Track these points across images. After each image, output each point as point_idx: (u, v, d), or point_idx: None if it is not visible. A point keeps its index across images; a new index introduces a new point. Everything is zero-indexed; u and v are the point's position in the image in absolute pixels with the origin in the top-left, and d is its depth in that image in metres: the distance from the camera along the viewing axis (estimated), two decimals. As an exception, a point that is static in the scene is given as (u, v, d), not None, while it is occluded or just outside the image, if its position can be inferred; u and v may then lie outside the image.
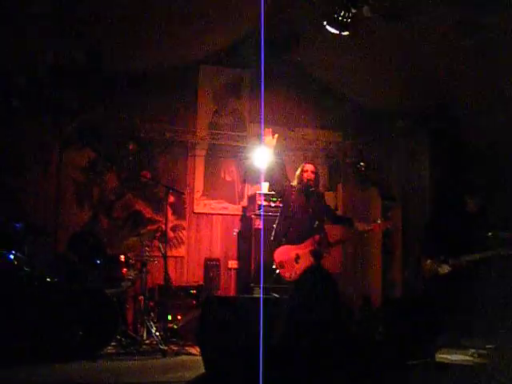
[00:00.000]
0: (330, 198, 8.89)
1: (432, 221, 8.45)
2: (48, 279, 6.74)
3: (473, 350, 6.79)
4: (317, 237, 7.17)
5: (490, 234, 7.92)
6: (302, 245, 7.14)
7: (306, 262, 7.03)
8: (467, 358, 6.57)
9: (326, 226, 7.53)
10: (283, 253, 7.12)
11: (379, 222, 7.72)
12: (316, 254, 7.07)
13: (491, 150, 9.26)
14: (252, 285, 8.47)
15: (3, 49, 7.48)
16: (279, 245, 7.16)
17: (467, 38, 7.69)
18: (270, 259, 7.21)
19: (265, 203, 9.04)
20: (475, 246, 7.61)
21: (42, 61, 7.89)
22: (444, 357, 6.52)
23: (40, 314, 6.32)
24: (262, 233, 8.34)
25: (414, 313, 6.46)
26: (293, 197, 7.39)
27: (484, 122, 9.16)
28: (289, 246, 7.15)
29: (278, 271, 7.07)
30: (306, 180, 7.41)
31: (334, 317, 3.30)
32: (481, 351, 6.71)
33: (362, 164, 8.56)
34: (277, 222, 7.36)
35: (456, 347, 7.08)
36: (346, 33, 7.37)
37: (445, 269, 7.63)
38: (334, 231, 7.87)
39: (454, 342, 7.17)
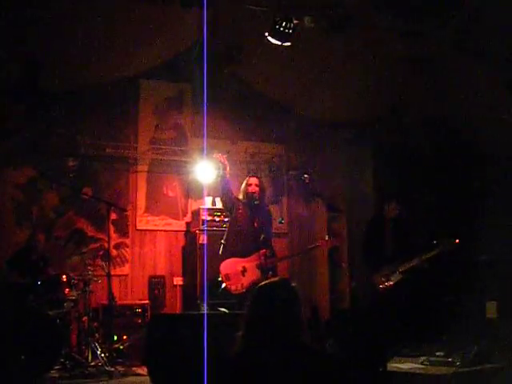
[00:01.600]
0: (274, 211, 8.82)
1: (366, 232, 8.49)
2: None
3: (423, 358, 6.80)
4: (263, 251, 7.09)
5: (434, 242, 8.00)
6: (249, 258, 7.07)
7: (252, 275, 6.96)
8: (418, 365, 6.56)
9: (273, 240, 7.49)
10: (229, 266, 7.04)
11: (327, 238, 7.73)
12: (263, 268, 7.00)
13: (437, 156, 9.40)
14: (198, 301, 8.34)
15: None
16: (226, 258, 7.08)
17: (412, 48, 7.79)
18: (216, 275, 7.12)
19: (209, 218, 8.95)
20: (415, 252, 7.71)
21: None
22: (395, 366, 6.50)
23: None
24: (205, 248, 8.27)
25: (365, 324, 6.44)
26: (239, 211, 7.32)
27: (430, 129, 9.30)
28: (235, 259, 7.07)
29: (223, 284, 6.98)
30: (250, 193, 7.35)
31: (296, 331, 3.21)
32: (432, 358, 6.71)
33: (305, 176, 8.52)
34: (225, 237, 7.26)
35: (406, 356, 7.09)
36: (287, 44, 7.39)
37: (397, 277, 7.68)
38: (281, 245, 7.84)
39: (404, 351, 7.18)
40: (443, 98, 8.72)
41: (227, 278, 6.97)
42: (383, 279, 7.78)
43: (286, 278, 3.73)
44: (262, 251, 7.06)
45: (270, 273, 6.97)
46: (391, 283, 7.68)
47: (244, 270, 7.00)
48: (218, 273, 7.05)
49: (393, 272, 7.73)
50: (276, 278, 3.67)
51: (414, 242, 7.95)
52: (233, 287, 6.92)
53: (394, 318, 7.43)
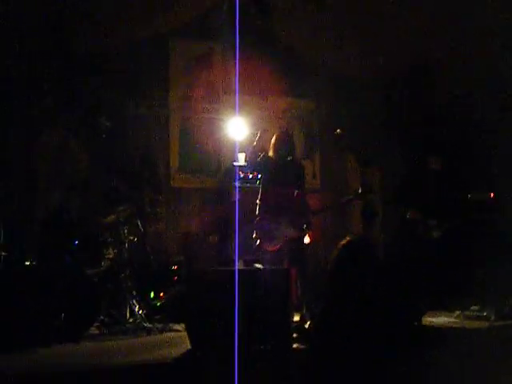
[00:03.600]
0: (307, 167, 8.80)
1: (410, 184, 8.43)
2: (26, 262, 6.63)
3: (458, 312, 6.81)
4: (297, 206, 7.05)
5: (469, 195, 7.94)
6: (282, 215, 7.04)
7: (286, 231, 6.95)
8: (453, 320, 6.58)
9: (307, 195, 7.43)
10: (263, 223, 7.02)
11: (360, 191, 7.61)
12: (296, 224, 6.99)
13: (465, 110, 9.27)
14: (233, 258, 8.39)
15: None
16: (260, 216, 7.08)
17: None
18: (250, 231, 7.14)
19: (241, 175, 8.95)
20: (457, 208, 7.65)
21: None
22: (430, 320, 6.53)
23: (20, 299, 6.18)
24: (237, 205, 8.28)
25: (400, 276, 6.44)
26: (271, 169, 7.26)
27: (460, 81, 9.16)
28: (268, 217, 7.06)
29: (258, 241, 6.99)
30: (281, 149, 7.27)
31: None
32: (466, 313, 6.73)
33: (338, 131, 8.45)
34: (259, 196, 7.24)
35: (441, 310, 7.12)
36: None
37: (437, 233, 7.65)
38: (314, 200, 7.79)
39: (439, 305, 7.20)
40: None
41: (262, 235, 6.97)
42: (426, 231, 7.74)
43: (364, 237, 3.78)
44: (295, 207, 7.02)
45: (305, 226, 6.96)
46: (432, 236, 7.65)
47: (278, 228, 6.98)
48: (252, 230, 7.06)
49: (434, 226, 7.68)
50: (354, 237, 3.71)
51: (455, 196, 7.88)
52: (267, 244, 6.93)
53: (431, 271, 7.43)
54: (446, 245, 7.66)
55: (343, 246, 3.59)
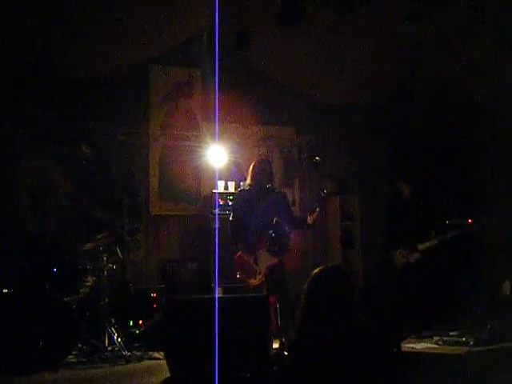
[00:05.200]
0: (286, 194, 8.82)
1: (387, 212, 8.48)
2: (4, 290, 6.59)
3: (437, 338, 6.84)
4: (269, 235, 7.03)
5: (447, 222, 8.01)
6: (259, 244, 7.05)
7: (265, 261, 6.96)
8: (432, 345, 6.60)
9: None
10: (241, 259, 7.02)
11: (322, 195, 7.48)
12: (274, 251, 6.99)
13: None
14: (212, 285, 8.39)
15: None
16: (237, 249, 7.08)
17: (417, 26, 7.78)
18: (230, 257, 7.15)
19: (221, 202, 8.98)
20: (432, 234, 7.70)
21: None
22: (410, 346, 6.55)
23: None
24: (216, 233, 8.30)
25: (379, 303, 6.47)
26: (248, 195, 7.27)
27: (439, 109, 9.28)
28: (243, 252, 7.05)
29: (238, 277, 7.01)
30: (260, 177, 7.27)
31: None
32: (445, 338, 6.75)
33: (317, 159, 8.52)
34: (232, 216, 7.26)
35: (420, 336, 7.14)
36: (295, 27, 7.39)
37: (415, 256, 7.69)
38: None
39: (418, 331, 7.23)
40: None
41: (243, 272, 6.98)
42: (402, 258, 7.78)
43: (338, 265, 3.78)
44: (265, 236, 7.01)
45: (280, 256, 6.99)
46: (411, 261, 7.69)
47: (256, 259, 6.99)
48: (232, 257, 7.07)
49: (412, 251, 7.72)
50: (328, 266, 3.72)
51: (430, 222, 7.93)
52: (251, 280, 6.94)
53: (409, 298, 7.47)
54: (424, 270, 7.70)
55: (316, 274, 3.61)
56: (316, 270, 3.62)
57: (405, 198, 8.09)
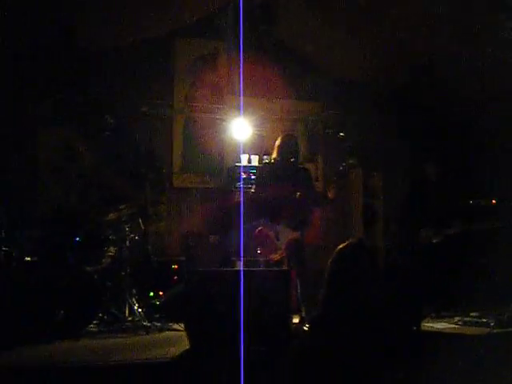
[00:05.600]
0: (310, 169, 8.79)
1: (411, 191, 8.40)
2: (27, 258, 6.63)
3: (458, 318, 6.81)
4: (290, 210, 7.03)
5: (471, 202, 7.94)
6: (281, 219, 7.04)
7: (286, 236, 6.96)
8: (452, 325, 6.58)
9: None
10: (262, 234, 7.02)
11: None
12: (293, 226, 6.98)
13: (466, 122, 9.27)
14: (233, 259, 8.41)
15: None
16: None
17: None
18: (251, 232, 7.15)
19: (244, 176, 8.97)
20: (458, 216, 7.63)
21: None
22: (430, 325, 6.53)
23: (20, 295, 6.19)
24: (241, 206, 8.28)
25: (401, 281, 6.45)
26: (272, 169, 7.26)
27: (459, 92, 9.17)
28: (265, 226, 7.04)
29: (259, 252, 7.01)
30: (285, 152, 7.25)
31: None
32: (466, 319, 6.72)
33: (341, 134, 8.46)
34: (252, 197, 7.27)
35: (441, 316, 7.11)
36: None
37: (438, 238, 7.63)
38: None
39: (439, 311, 7.20)
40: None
41: (262, 246, 6.98)
42: (425, 238, 7.73)
43: (360, 242, 3.76)
44: (286, 211, 7.01)
45: (301, 231, 6.98)
46: (433, 241, 7.63)
47: (277, 234, 6.99)
48: (253, 234, 7.07)
49: (436, 233, 7.66)
50: (351, 242, 3.72)
51: (454, 204, 7.86)
52: (272, 255, 6.95)
53: (431, 277, 7.43)
54: (446, 251, 7.65)
55: (341, 249, 3.61)
56: (340, 246, 3.62)
57: (429, 177, 8.02)
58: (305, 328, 6.36)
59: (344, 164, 7.21)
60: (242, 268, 6.91)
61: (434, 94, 9.65)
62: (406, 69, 9.48)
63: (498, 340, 5.82)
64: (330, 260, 3.63)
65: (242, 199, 8.49)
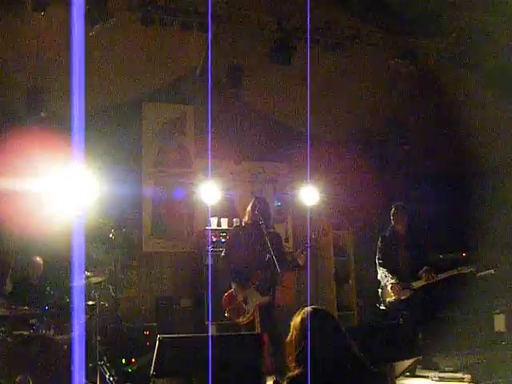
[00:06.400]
0: (280, 230, 8.84)
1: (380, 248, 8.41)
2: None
3: (433, 373, 6.81)
4: (257, 274, 7.05)
5: (440, 256, 8.00)
6: (250, 282, 7.04)
7: (255, 300, 6.96)
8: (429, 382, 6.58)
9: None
10: (229, 299, 7.02)
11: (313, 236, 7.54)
12: (263, 290, 6.99)
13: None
14: (206, 323, 8.35)
15: None
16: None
17: (407, 64, 7.89)
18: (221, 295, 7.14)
19: (214, 239, 8.97)
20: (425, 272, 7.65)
21: None
22: (403, 383, 6.51)
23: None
24: (209, 269, 8.30)
25: (374, 341, 6.42)
26: (243, 232, 7.30)
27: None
28: (232, 292, 7.05)
29: (227, 316, 7.00)
30: (256, 215, 7.27)
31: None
32: (441, 375, 6.73)
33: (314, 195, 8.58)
34: (225, 251, 7.27)
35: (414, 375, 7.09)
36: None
37: (406, 293, 7.62)
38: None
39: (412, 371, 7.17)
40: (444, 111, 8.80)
41: (231, 311, 6.99)
42: (395, 293, 7.71)
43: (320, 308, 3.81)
44: (255, 274, 7.03)
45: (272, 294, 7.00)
46: (402, 298, 7.62)
47: (245, 298, 6.99)
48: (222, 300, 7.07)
49: (405, 288, 7.66)
50: (308, 308, 3.76)
51: (423, 256, 7.89)
52: (240, 319, 6.94)
53: (403, 333, 7.41)
54: (416, 306, 7.65)
55: (299, 317, 3.67)
56: (298, 313, 3.69)
57: (398, 234, 8.06)
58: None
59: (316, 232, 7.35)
60: (209, 333, 6.87)
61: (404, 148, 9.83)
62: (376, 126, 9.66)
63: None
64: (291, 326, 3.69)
65: (209, 263, 8.50)
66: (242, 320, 6.91)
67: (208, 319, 8.06)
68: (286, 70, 8.30)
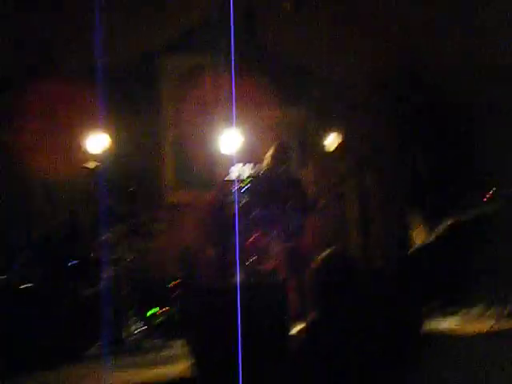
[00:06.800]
0: (302, 175, 8.79)
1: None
2: (28, 284, 6.58)
3: (461, 312, 6.78)
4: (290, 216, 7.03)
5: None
6: (274, 228, 7.03)
7: (279, 246, 6.95)
8: (455, 322, 6.54)
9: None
10: (255, 243, 7.03)
11: None
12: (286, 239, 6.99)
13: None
14: (231, 271, 8.37)
15: None
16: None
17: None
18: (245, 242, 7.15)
19: (237, 187, 8.95)
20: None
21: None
22: (433, 323, 6.47)
23: (20, 321, 6.15)
24: (236, 218, 8.29)
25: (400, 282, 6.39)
26: (264, 179, 7.27)
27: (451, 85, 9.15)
28: (259, 235, 7.05)
29: (252, 261, 7.02)
30: (277, 159, 7.25)
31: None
32: (468, 314, 6.69)
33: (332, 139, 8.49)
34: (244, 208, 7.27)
35: (442, 314, 7.05)
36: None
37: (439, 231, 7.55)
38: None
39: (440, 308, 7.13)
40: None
41: (256, 256, 7.00)
42: (421, 235, 7.67)
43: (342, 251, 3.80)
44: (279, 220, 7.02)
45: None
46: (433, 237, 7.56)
47: (271, 245, 6.99)
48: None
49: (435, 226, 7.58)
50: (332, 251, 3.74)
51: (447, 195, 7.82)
52: (264, 264, 6.96)
53: (432, 273, 7.37)
54: (445, 246, 7.58)
55: (320, 260, 3.65)
56: (320, 257, 3.66)
57: (422, 174, 7.98)
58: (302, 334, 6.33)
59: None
60: (238, 282, 6.89)
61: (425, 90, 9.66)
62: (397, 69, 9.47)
63: (500, 335, 5.78)
64: (311, 270, 3.67)
65: (236, 210, 8.48)
66: (267, 265, 6.91)
67: (234, 268, 8.08)
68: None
